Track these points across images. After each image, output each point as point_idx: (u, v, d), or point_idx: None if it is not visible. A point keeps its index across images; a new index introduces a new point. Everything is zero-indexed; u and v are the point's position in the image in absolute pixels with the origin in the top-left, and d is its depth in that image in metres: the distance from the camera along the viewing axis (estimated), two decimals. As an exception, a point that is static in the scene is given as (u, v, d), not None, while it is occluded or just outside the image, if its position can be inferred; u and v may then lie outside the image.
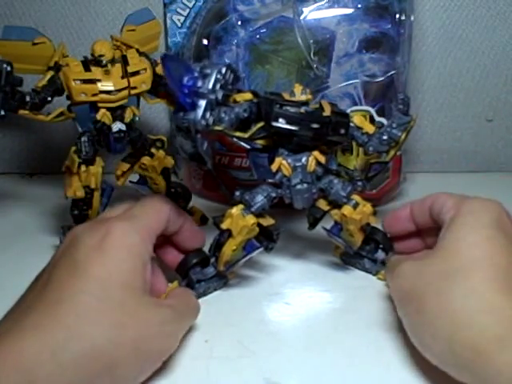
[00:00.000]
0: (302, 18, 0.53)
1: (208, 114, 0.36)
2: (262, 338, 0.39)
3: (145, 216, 0.38)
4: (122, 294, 0.33)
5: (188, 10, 0.60)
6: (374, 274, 0.46)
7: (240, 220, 0.41)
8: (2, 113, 0.43)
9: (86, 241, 0.34)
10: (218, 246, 0.42)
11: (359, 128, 0.42)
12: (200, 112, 0.36)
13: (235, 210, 0.41)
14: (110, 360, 0.31)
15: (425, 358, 0.34)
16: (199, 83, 0.36)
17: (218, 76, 0.37)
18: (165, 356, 0.35)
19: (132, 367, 0.32)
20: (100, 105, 0.46)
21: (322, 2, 0.53)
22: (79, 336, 0.30)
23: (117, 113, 0.47)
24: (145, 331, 0.33)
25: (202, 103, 0.36)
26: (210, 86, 0.36)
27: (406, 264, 0.38)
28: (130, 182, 0.52)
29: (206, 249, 0.44)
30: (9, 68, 0.43)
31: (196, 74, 0.36)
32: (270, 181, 0.42)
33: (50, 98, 0.45)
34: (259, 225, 0.42)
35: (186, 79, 0.36)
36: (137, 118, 0.49)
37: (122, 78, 0.46)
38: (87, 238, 0.35)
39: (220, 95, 0.37)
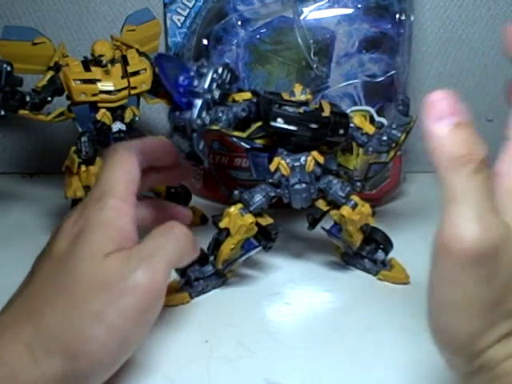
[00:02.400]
0: (302, 18, 0.53)
1: (204, 114, 0.36)
2: (261, 338, 0.39)
3: (116, 187, 0.34)
4: (84, 267, 0.31)
5: (188, 10, 0.60)
6: (375, 275, 0.46)
7: (238, 219, 0.41)
8: (2, 113, 0.43)
9: (66, 234, 0.33)
10: (216, 244, 0.42)
11: (359, 128, 0.42)
12: (196, 111, 0.36)
13: (233, 209, 0.41)
14: (79, 342, 0.30)
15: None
16: (195, 82, 0.36)
17: (215, 75, 0.37)
18: (150, 309, 0.31)
19: (109, 338, 0.30)
20: (100, 105, 0.46)
21: (322, 2, 0.53)
22: (45, 327, 0.30)
23: (117, 113, 0.47)
24: (108, 296, 0.30)
25: (198, 102, 0.36)
26: (206, 85, 0.36)
27: None
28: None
29: (204, 247, 0.44)
30: (9, 68, 0.43)
31: (192, 74, 0.36)
32: (269, 180, 0.42)
33: (50, 98, 0.46)
34: (258, 224, 0.42)
35: (181, 78, 0.36)
36: (137, 118, 0.49)
37: (122, 77, 0.46)
38: (67, 232, 0.34)
39: (217, 95, 0.37)
